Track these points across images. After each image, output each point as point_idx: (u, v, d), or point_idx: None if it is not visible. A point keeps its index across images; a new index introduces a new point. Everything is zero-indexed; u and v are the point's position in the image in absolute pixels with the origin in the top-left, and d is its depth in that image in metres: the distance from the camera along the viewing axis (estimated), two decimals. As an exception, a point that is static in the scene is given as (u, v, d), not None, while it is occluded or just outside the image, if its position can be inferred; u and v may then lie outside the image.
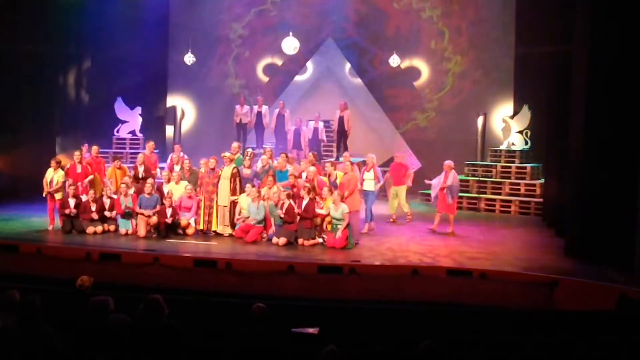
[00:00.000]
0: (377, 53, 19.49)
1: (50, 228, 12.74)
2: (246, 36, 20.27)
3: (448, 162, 13.19)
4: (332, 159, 16.30)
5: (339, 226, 11.62)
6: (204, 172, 12.73)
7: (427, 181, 13.82)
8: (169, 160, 14.40)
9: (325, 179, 12.69)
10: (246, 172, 13.01)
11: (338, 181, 12.47)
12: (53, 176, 12.78)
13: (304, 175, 12.87)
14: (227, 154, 12.80)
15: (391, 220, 14.21)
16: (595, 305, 9.05)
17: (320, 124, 17.78)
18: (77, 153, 13.61)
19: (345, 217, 11.54)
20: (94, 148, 14.20)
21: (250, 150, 14.40)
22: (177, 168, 13.59)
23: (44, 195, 12.85)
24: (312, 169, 12.78)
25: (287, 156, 13.67)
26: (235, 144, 13.86)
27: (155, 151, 15.00)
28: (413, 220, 14.10)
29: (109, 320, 5.59)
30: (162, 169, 14.65)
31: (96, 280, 8.07)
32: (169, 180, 13.04)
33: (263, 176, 12.88)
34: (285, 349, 5.86)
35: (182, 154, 14.21)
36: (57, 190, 12.67)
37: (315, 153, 14.52)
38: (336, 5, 19.42)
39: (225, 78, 20.38)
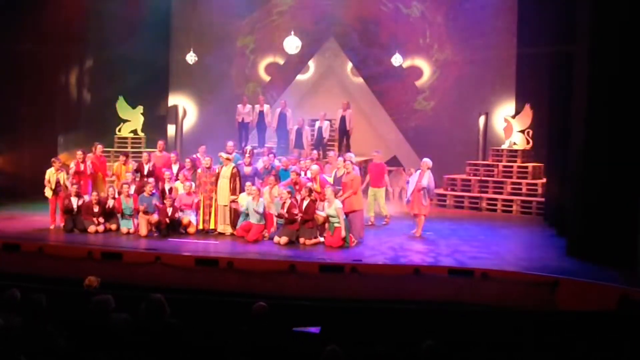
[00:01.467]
0: (379, 52, 19.46)
1: (51, 227, 12.75)
2: (248, 35, 20.27)
3: (425, 161, 12.59)
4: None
5: (335, 224, 11.61)
6: (201, 172, 12.74)
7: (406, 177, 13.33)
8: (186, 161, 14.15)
9: (330, 179, 12.66)
10: (247, 169, 12.97)
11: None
12: (57, 176, 12.81)
13: (308, 173, 12.83)
14: (223, 154, 12.73)
15: (369, 223, 13.46)
16: (597, 305, 9.04)
17: (325, 123, 17.79)
18: (79, 153, 13.61)
19: (339, 213, 11.51)
20: (99, 147, 14.19)
21: (249, 147, 14.30)
22: (175, 168, 13.59)
23: (48, 196, 12.84)
24: (315, 167, 12.75)
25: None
26: (230, 143, 13.77)
27: (165, 152, 14.80)
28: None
29: (110, 319, 5.59)
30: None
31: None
32: (169, 179, 13.07)
33: (265, 175, 12.85)
34: (287, 348, 5.86)
35: (207, 157, 13.78)
36: (64, 190, 12.72)
37: (319, 152, 14.48)
38: (339, 4, 19.42)
39: (226, 78, 20.36)
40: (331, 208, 11.56)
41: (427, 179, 12.45)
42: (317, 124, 17.76)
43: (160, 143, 14.70)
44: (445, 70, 19.18)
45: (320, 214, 11.82)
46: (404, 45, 19.04)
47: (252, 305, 6.10)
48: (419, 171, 12.68)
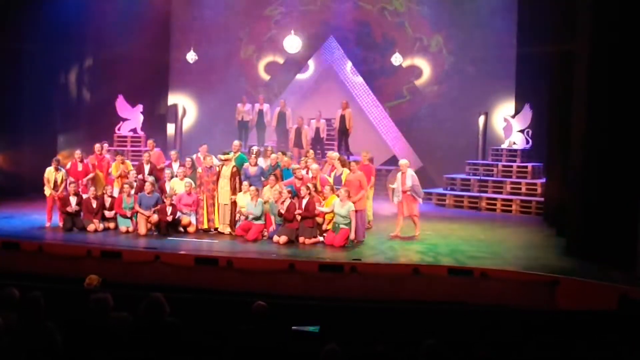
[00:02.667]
0: (379, 52, 19.44)
1: (47, 225, 12.73)
2: (248, 34, 20.25)
3: (403, 162, 12.48)
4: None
5: (342, 225, 11.59)
6: (202, 171, 12.73)
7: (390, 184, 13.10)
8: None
9: (330, 179, 12.63)
10: (252, 170, 12.93)
11: (343, 177, 12.29)
12: (56, 176, 12.81)
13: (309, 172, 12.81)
14: (221, 155, 12.66)
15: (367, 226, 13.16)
16: (597, 304, 9.03)
17: (322, 122, 17.76)
18: (77, 152, 13.64)
19: (352, 216, 11.49)
20: (96, 146, 14.16)
21: (256, 148, 14.27)
22: (175, 166, 13.58)
23: (46, 194, 12.83)
24: (315, 166, 12.76)
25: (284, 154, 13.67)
26: (236, 142, 13.81)
27: (156, 149, 14.89)
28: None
29: (109, 318, 5.58)
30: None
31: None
32: (170, 178, 13.06)
33: (269, 173, 12.84)
34: (286, 348, 5.86)
35: (208, 157, 13.58)
36: (62, 190, 12.71)
37: (312, 151, 14.44)
38: (339, 4, 19.41)
39: (226, 77, 20.33)
40: (344, 208, 11.51)
41: (411, 179, 12.25)
42: (314, 123, 17.75)
43: (150, 142, 14.70)
44: (445, 70, 19.16)
45: (322, 210, 11.79)
46: (404, 46, 19.04)
47: (252, 305, 6.09)
48: (400, 173, 12.40)
